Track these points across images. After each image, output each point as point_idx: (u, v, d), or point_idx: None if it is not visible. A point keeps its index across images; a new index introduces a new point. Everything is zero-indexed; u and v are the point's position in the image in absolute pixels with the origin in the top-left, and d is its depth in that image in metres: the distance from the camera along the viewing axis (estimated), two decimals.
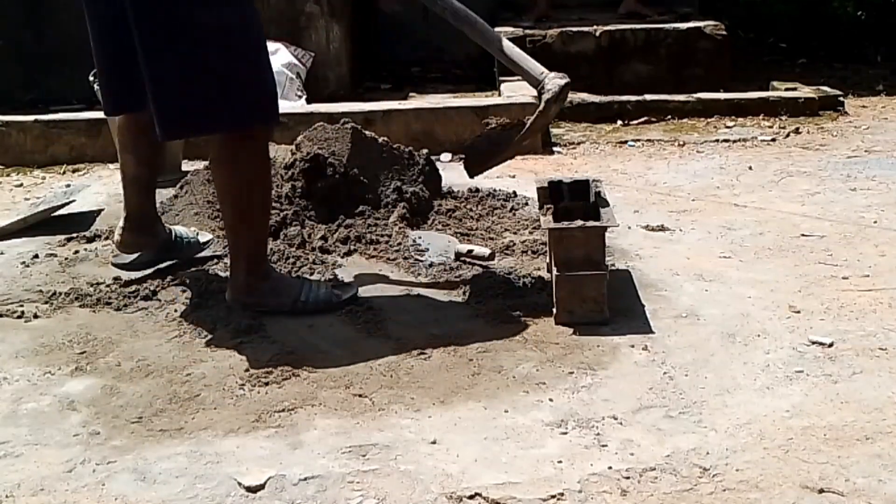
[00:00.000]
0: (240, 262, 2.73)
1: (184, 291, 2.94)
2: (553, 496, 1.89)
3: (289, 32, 5.76)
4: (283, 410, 2.22)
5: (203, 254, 3.17)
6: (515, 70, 2.90)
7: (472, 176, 3.06)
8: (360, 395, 2.28)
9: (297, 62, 5.46)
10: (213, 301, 2.83)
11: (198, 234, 3.19)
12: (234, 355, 2.51)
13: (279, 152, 3.55)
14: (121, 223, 2.99)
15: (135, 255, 3.03)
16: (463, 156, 3.05)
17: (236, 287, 2.75)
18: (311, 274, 3.04)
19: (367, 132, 3.61)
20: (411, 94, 5.87)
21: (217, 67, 2.50)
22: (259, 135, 2.67)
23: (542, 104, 2.75)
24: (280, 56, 5.44)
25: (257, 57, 2.61)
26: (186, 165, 4.29)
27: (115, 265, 3.06)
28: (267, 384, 2.35)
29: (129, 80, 2.61)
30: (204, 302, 2.84)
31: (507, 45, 2.88)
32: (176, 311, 2.81)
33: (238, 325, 2.66)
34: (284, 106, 5.04)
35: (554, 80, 2.76)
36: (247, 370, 2.42)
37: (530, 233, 3.39)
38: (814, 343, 2.49)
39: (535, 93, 4.98)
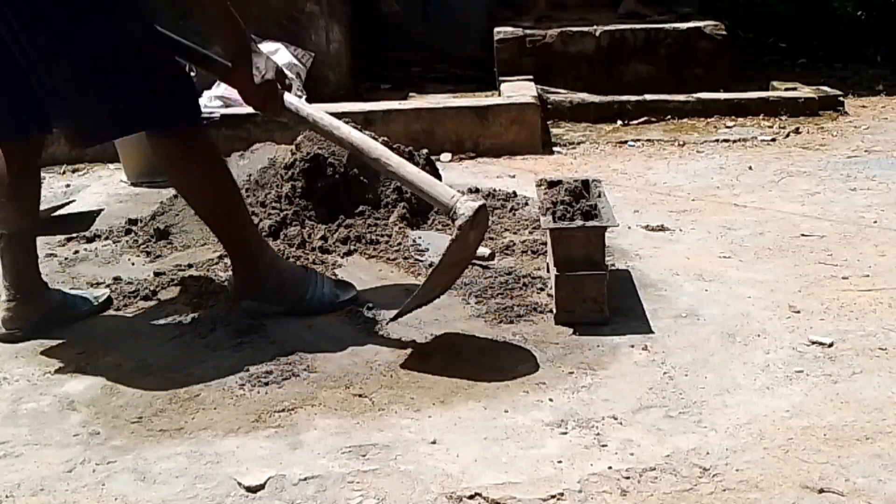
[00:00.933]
0: (238, 267, 2.72)
1: (184, 291, 2.93)
2: (553, 496, 1.89)
3: (289, 32, 5.76)
4: (283, 410, 2.22)
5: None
6: (423, 198, 2.68)
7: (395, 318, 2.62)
8: (359, 395, 2.28)
9: (296, 62, 5.45)
10: (213, 301, 2.83)
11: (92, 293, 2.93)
12: (233, 355, 2.51)
13: (279, 152, 3.55)
14: (3, 297, 2.66)
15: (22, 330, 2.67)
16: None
17: (235, 289, 2.74)
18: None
19: (367, 132, 3.60)
20: (411, 94, 5.87)
21: (121, 72, 2.42)
22: (187, 135, 2.60)
23: (456, 230, 2.45)
24: (280, 56, 5.44)
25: (158, 60, 2.53)
26: None
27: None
28: (267, 384, 2.35)
29: (17, 100, 2.45)
30: (204, 302, 2.84)
31: (412, 171, 2.63)
32: (176, 311, 2.81)
33: (238, 325, 2.65)
34: None
35: (467, 204, 2.47)
36: (247, 370, 2.42)
37: (530, 233, 3.39)
38: (814, 343, 2.49)
39: (533, 93, 5.03)
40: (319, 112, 2.76)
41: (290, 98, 2.72)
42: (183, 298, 2.89)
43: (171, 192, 3.66)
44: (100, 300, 2.86)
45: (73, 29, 2.33)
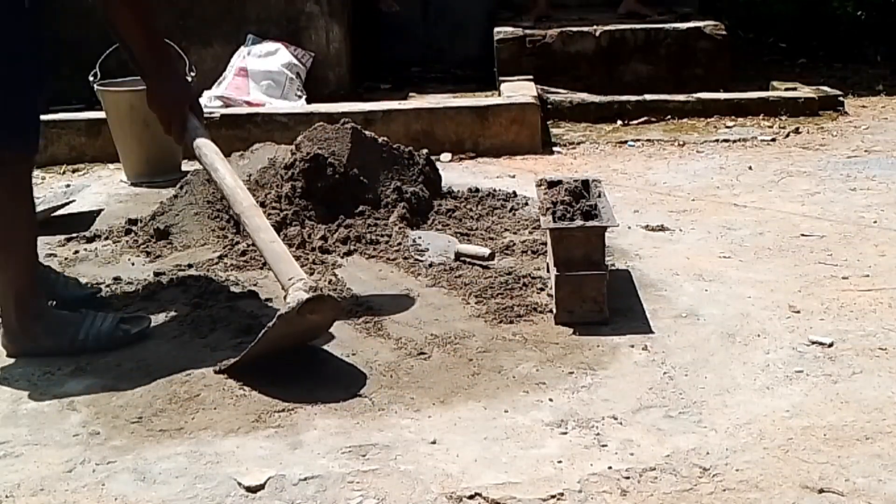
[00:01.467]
0: (8, 305, 2.52)
1: (184, 292, 2.93)
2: (553, 496, 1.89)
3: (289, 32, 5.76)
4: (283, 411, 2.22)
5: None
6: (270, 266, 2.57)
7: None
8: (359, 395, 2.28)
9: (296, 62, 5.46)
10: (213, 301, 2.83)
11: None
12: (234, 355, 2.50)
13: (279, 152, 3.55)
14: None
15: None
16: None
17: (9, 331, 2.55)
18: (311, 274, 3.04)
19: (366, 132, 3.61)
20: (411, 94, 5.87)
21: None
22: (6, 161, 2.43)
23: (276, 316, 2.32)
24: (280, 56, 5.45)
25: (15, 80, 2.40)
26: (186, 165, 4.30)
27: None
28: (266, 384, 2.34)
29: None
30: (204, 302, 2.83)
31: (263, 240, 2.54)
32: (176, 311, 2.81)
33: (238, 325, 2.65)
34: (284, 106, 5.07)
35: (295, 294, 2.36)
36: (246, 370, 2.41)
37: (530, 233, 3.39)
38: (814, 343, 2.49)
39: (533, 93, 5.03)
40: (210, 155, 2.63)
41: (194, 127, 2.66)
42: (183, 298, 2.88)
43: (171, 192, 3.66)
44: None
45: None
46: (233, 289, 2.94)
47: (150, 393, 2.34)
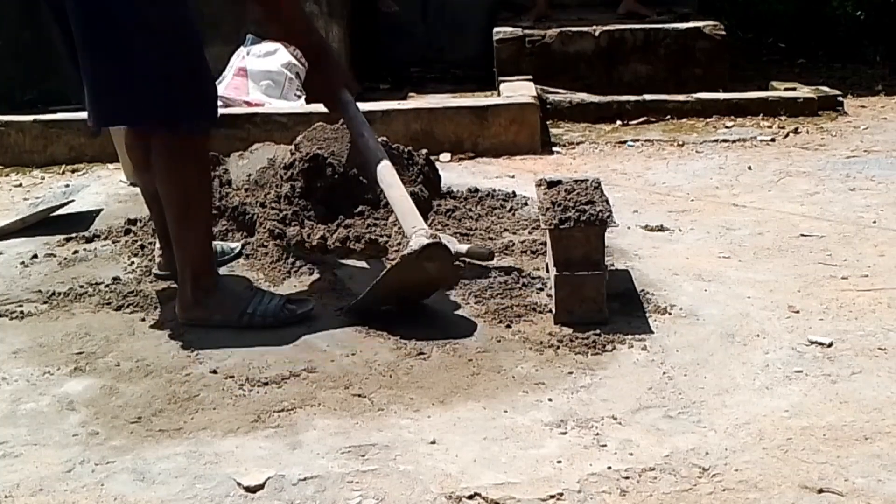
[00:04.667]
0: (186, 276, 2.68)
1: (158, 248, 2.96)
2: (552, 496, 1.89)
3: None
4: (283, 410, 2.22)
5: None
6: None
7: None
8: (359, 395, 2.28)
9: (295, 62, 5.44)
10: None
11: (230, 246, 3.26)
12: (232, 354, 2.51)
13: (278, 152, 3.54)
14: (157, 243, 3.04)
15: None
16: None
17: (184, 302, 2.70)
18: (311, 274, 3.04)
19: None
20: (410, 94, 5.87)
21: (149, 61, 2.50)
22: (196, 140, 2.64)
23: (399, 258, 2.60)
24: (279, 56, 5.43)
25: (191, 57, 2.60)
26: None
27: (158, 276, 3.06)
28: (266, 384, 2.34)
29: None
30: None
31: (393, 196, 2.81)
32: (176, 311, 2.80)
33: (238, 325, 2.65)
34: (284, 106, 5.07)
35: (417, 240, 2.59)
36: (246, 370, 2.42)
37: (529, 233, 3.39)
38: (813, 343, 2.49)
39: (532, 93, 5.03)
40: (358, 125, 3.02)
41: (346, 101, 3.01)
42: None
43: None
44: (235, 251, 3.21)
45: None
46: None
47: (149, 393, 2.34)
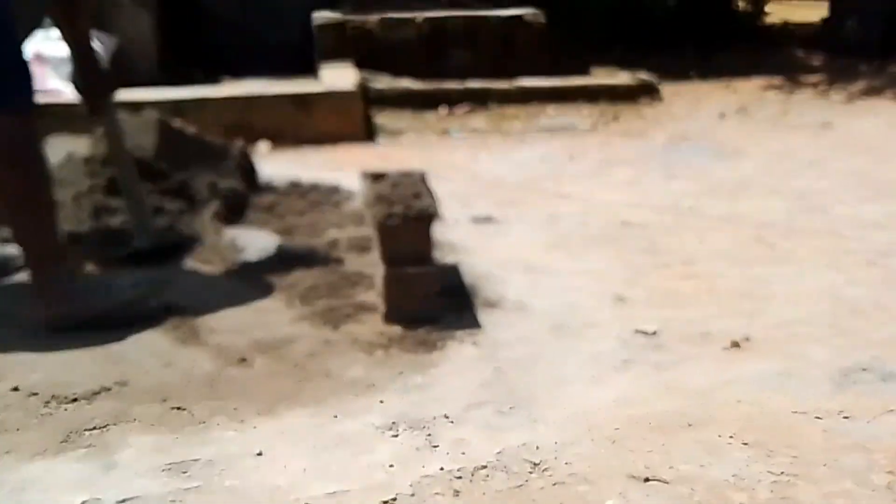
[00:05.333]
0: (35, 274, 2.49)
1: None
2: (385, 502, 1.82)
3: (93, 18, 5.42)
4: (95, 429, 2.05)
5: None
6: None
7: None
8: (178, 409, 2.14)
9: (99, 48, 5.15)
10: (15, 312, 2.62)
11: None
12: (35, 370, 2.31)
13: (77, 145, 3.31)
14: None
15: None
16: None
17: (37, 302, 2.50)
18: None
19: (175, 123, 3.42)
20: (225, 80, 5.65)
21: None
22: (30, 115, 2.45)
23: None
24: None
25: (8, 22, 2.41)
26: None
27: None
28: (74, 401, 2.16)
29: None
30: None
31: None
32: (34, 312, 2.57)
33: (37, 337, 2.46)
34: None
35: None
36: (51, 386, 2.23)
37: (356, 228, 3.31)
38: (639, 332, 2.52)
39: (356, 80, 4.94)
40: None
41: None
42: None
43: None
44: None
45: None
46: None
47: None
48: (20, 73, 2.43)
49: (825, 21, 7.43)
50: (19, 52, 2.44)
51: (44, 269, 2.48)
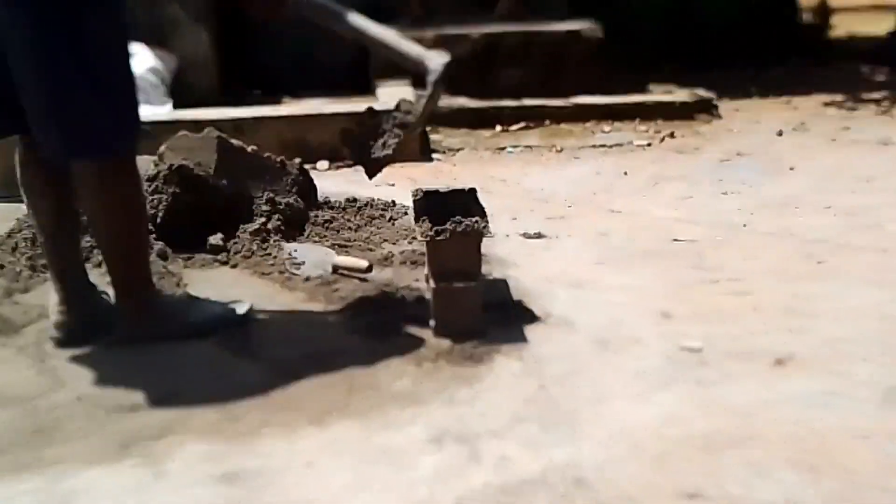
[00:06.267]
0: (127, 295, 2.55)
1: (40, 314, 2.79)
2: None
3: (152, 37, 5.54)
4: (150, 438, 2.12)
5: None
6: (392, 55, 2.78)
7: (372, 177, 2.84)
8: (229, 420, 2.20)
9: (160, 67, 5.27)
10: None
11: None
12: (99, 379, 2.39)
13: (141, 164, 3.40)
14: (54, 300, 2.61)
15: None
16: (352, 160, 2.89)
17: (126, 321, 2.57)
18: (185, 288, 2.94)
19: (234, 141, 3.49)
20: (284, 99, 5.75)
21: (113, 78, 2.33)
22: (132, 158, 2.49)
23: (430, 87, 2.67)
24: (142, 60, 5.23)
25: (132, 76, 2.43)
26: None
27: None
28: (132, 410, 2.24)
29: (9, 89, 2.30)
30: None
31: (387, 33, 2.79)
32: (43, 333, 2.66)
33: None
34: (148, 112, 4.89)
35: (436, 61, 2.68)
36: (112, 395, 2.31)
37: (409, 243, 3.35)
38: (684, 349, 2.52)
39: (410, 99, 4.99)
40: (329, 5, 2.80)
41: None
42: (44, 322, 2.73)
43: None
44: None
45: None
46: None
47: (5, 424, 2.20)
48: (137, 113, 2.46)
49: (891, 35, 7.29)
50: (135, 93, 2.45)
51: (135, 294, 2.55)
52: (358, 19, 2.75)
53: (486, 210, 2.78)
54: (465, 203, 2.88)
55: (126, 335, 2.58)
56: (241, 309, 2.72)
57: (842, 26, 8.33)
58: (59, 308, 2.58)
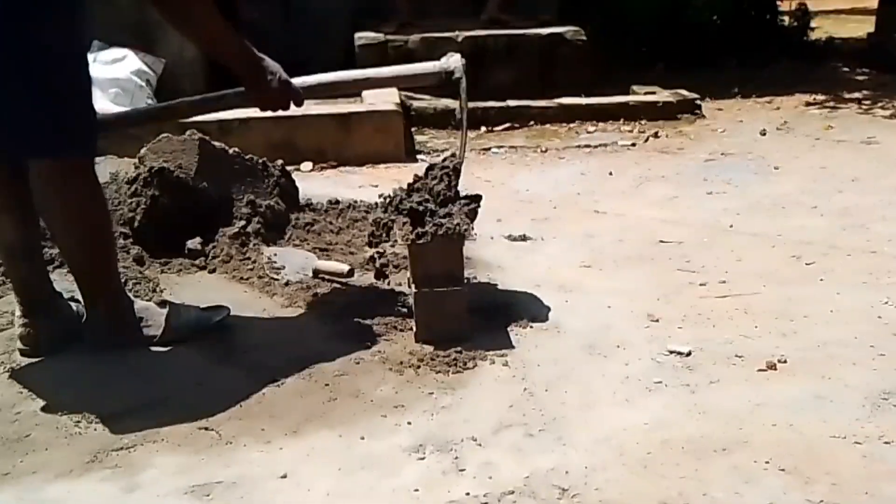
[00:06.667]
0: (97, 301, 2.49)
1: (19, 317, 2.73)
2: None
3: (140, 40, 5.50)
4: (122, 448, 2.07)
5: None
6: (412, 83, 2.86)
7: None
8: (205, 429, 2.14)
9: (147, 69, 5.22)
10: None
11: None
12: (69, 389, 2.33)
13: (122, 166, 3.35)
14: (18, 311, 2.55)
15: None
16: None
17: (96, 329, 2.51)
18: (161, 294, 2.88)
19: (216, 143, 3.43)
20: None
21: (56, 88, 2.26)
22: (87, 161, 2.42)
23: (462, 83, 2.75)
24: (128, 63, 5.20)
25: (85, 81, 2.37)
26: None
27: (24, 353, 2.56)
28: (103, 420, 2.18)
29: None
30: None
31: (393, 69, 2.87)
32: (13, 342, 2.59)
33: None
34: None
35: (454, 61, 2.76)
36: (83, 406, 2.24)
37: (392, 246, 3.30)
38: (672, 352, 2.48)
39: (396, 100, 4.95)
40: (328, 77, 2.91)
41: (299, 81, 2.81)
42: (16, 329, 2.67)
43: None
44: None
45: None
46: None
47: None
48: (91, 117, 2.41)
49: (871, 36, 7.31)
50: (90, 93, 2.41)
51: (102, 302, 2.49)
52: (359, 73, 2.89)
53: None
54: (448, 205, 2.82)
55: (96, 343, 2.52)
56: (217, 315, 2.66)
57: (822, 29, 8.35)
58: (22, 321, 2.53)
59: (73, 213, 2.40)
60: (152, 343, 2.53)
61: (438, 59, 2.81)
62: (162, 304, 2.64)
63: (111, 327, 2.52)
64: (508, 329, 2.63)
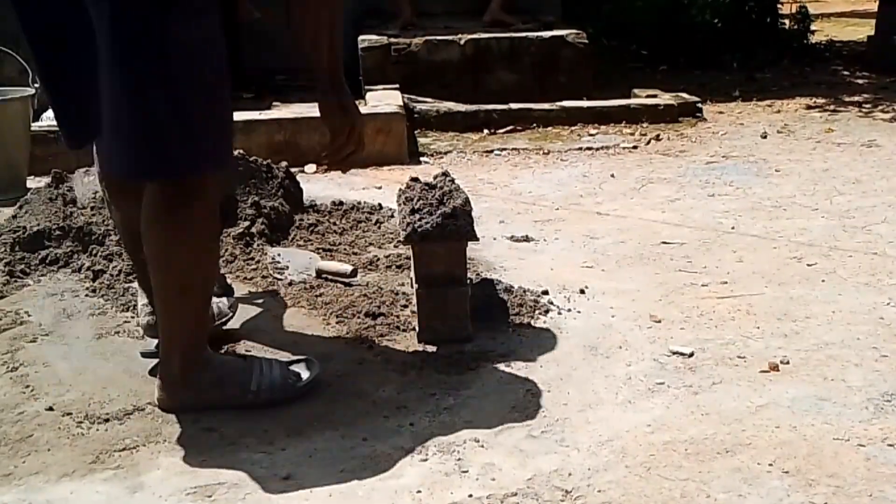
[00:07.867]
0: (173, 352, 2.18)
1: (29, 315, 2.74)
2: None
3: None
4: (125, 449, 2.06)
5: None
6: None
7: None
8: (208, 430, 2.14)
9: None
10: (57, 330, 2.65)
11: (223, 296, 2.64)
12: (71, 389, 2.33)
13: None
14: (143, 301, 2.41)
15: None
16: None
17: (169, 382, 2.19)
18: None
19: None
20: (275, 103, 5.70)
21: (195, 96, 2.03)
22: (211, 185, 2.13)
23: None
24: None
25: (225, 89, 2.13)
26: (31, 182, 4.06)
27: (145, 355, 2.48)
28: (107, 420, 2.18)
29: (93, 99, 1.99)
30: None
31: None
32: (16, 341, 2.60)
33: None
34: None
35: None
36: (87, 406, 2.25)
37: (395, 247, 3.30)
38: (674, 353, 2.48)
39: (399, 103, 4.96)
40: None
41: None
42: (23, 330, 2.67)
43: (10, 211, 3.41)
44: (229, 311, 2.62)
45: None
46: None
47: None
48: (227, 135, 2.18)
49: (871, 39, 7.31)
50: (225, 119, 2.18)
51: (182, 351, 2.19)
52: None
53: (474, 213, 2.73)
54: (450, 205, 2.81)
55: (169, 402, 2.22)
56: (305, 373, 2.32)
57: (822, 32, 8.35)
58: (148, 308, 2.38)
59: (180, 240, 2.10)
60: (235, 407, 2.23)
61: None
62: (243, 359, 2.38)
63: (184, 382, 2.20)
64: (511, 330, 2.64)
